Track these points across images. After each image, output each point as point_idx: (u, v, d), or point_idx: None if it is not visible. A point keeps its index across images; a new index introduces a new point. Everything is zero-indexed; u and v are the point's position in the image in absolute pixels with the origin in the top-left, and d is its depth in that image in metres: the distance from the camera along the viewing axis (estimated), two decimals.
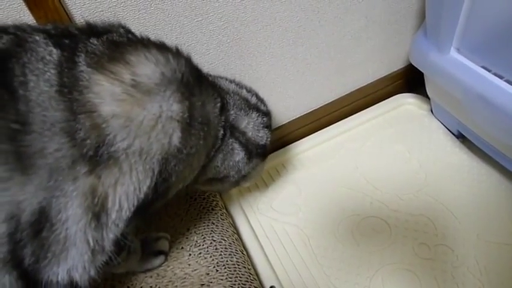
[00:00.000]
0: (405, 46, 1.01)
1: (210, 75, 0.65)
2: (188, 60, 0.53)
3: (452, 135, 0.96)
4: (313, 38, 0.87)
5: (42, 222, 0.42)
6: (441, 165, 0.91)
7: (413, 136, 0.98)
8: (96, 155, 0.43)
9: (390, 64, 1.05)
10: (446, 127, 0.97)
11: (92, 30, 0.51)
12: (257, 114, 0.66)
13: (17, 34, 0.45)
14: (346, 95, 1.03)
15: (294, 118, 1.01)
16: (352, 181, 0.91)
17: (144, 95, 0.45)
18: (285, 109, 0.98)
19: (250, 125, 0.64)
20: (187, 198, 0.82)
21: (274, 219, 0.88)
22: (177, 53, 0.52)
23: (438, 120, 0.99)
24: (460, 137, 0.94)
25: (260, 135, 0.66)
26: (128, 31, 0.54)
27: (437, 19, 0.79)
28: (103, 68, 0.45)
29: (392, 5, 0.92)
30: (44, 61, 0.43)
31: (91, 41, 0.48)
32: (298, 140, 1.02)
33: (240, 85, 0.68)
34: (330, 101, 1.03)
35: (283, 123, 1.00)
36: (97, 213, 0.45)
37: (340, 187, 0.91)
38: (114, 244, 0.48)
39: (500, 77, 0.73)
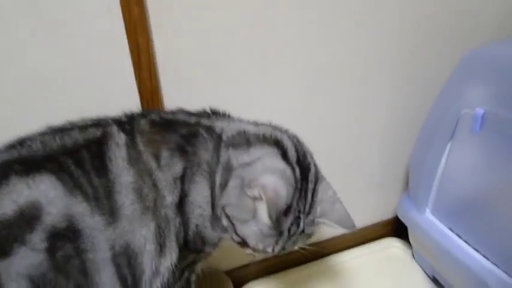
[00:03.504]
0: (394, 200, 1.28)
1: None
2: None
3: (428, 278, 1.17)
4: None
5: (131, 254, 0.62)
6: None
7: (397, 275, 1.19)
8: (155, 207, 0.63)
9: (382, 213, 1.32)
10: (424, 271, 1.19)
11: (140, 113, 0.72)
12: None
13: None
14: (345, 233, 1.27)
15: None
16: None
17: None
18: None
19: None
20: None
21: None
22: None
23: (418, 264, 1.22)
24: (435, 281, 1.15)
25: None
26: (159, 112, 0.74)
27: (416, 188, 1.08)
28: (149, 142, 0.65)
29: (385, 171, 1.23)
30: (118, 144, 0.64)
31: (141, 122, 0.68)
32: (298, 266, 1.22)
33: None
34: (330, 237, 1.27)
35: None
36: (162, 244, 0.64)
37: None
38: (169, 271, 0.66)
39: (461, 238, 0.98)
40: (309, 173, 0.70)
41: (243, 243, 0.70)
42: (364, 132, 1.14)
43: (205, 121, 0.72)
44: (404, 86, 1.11)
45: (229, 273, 1.13)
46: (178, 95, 0.86)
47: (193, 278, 0.81)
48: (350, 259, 1.25)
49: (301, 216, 0.69)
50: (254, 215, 0.65)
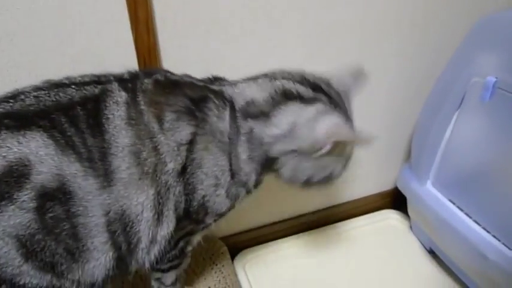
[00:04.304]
0: (394, 172, 1.27)
1: None
2: None
3: (425, 250, 1.16)
4: None
5: (126, 221, 0.60)
6: (413, 274, 1.10)
7: (393, 246, 1.19)
8: (155, 173, 0.60)
9: (381, 184, 1.31)
10: (421, 243, 1.18)
11: (146, 72, 0.68)
12: None
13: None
14: (344, 203, 1.27)
15: (298, 215, 1.23)
16: (339, 275, 1.10)
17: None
18: (292, 205, 1.21)
19: None
20: None
21: None
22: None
23: (415, 236, 1.21)
24: (431, 253, 1.14)
25: None
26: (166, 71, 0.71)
27: (418, 158, 1.06)
28: (151, 103, 0.62)
29: (387, 142, 1.20)
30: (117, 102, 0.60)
31: (145, 81, 0.64)
32: (294, 234, 1.21)
33: None
34: (327, 206, 1.26)
35: (289, 217, 1.22)
36: (160, 212, 0.62)
37: (328, 277, 1.10)
38: (166, 240, 0.65)
39: (461, 210, 0.97)
40: (321, 87, 0.71)
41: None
42: (367, 99, 1.10)
43: (212, 86, 0.69)
44: (413, 52, 1.07)
45: (225, 239, 1.12)
46: (177, 52, 0.82)
47: (188, 249, 0.79)
48: (347, 229, 1.24)
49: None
50: (335, 162, 0.72)
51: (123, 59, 0.79)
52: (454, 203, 0.99)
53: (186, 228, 0.71)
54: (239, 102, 0.67)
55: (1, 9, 0.71)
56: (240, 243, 1.15)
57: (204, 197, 0.67)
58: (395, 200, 1.30)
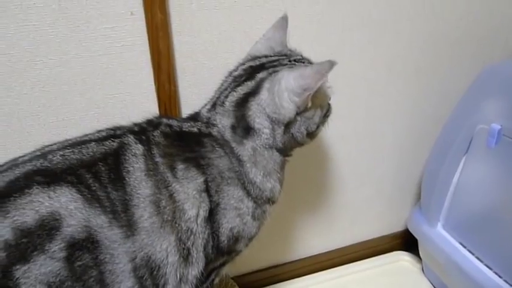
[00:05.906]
0: (405, 213, 1.28)
1: None
2: None
3: None
4: (337, 201, 1.16)
5: (153, 266, 0.62)
6: None
7: None
8: (173, 220, 0.64)
9: (392, 225, 1.31)
10: (433, 285, 1.18)
11: (149, 123, 0.72)
12: None
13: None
14: (355, 244, 1.28)
15: (309, 255, 1.24)
16: None
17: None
18: (304, 245, 1.22)
19: None
20: None
21: None
22: None
23: (427, 278, 1.20)
24: None
25: None
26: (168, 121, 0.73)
27: (428, 201, 1.08)
28: (165, 154, 0.66)
29: (397, 183, 1.22)
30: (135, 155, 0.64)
31: (154, 133, 0.68)
32: (305, 275, 1.22)
33: None
34: (341, 246, 1.27)
35: (300, 258, 1.23)
36: (185, 256, 0.65)
37: None
38: (197, 278, 0.67)
39: (472, 253, 0.98)
40: (252, 66, 0.75)
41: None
42: (378, 144, 1.14)
43: (202, 128, 0.72)
44: (420, 97, 1.11)
45: (237, 279, 1.13)
46: (195, 99, 0.87)
47: (216, 280, 0.81)
48: (358, 271, 1.24)
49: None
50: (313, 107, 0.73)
51: (145, 105, 0.85)
52: (464, 246, 1.00)
53: (218, 261, 0.74)
54: (227, 135, 0.70)
55: (36, 59, 0.77)
56: (252, 283, 1.16)
57: (231, 229, 0.70)
58: (407, 242, 1.31)
